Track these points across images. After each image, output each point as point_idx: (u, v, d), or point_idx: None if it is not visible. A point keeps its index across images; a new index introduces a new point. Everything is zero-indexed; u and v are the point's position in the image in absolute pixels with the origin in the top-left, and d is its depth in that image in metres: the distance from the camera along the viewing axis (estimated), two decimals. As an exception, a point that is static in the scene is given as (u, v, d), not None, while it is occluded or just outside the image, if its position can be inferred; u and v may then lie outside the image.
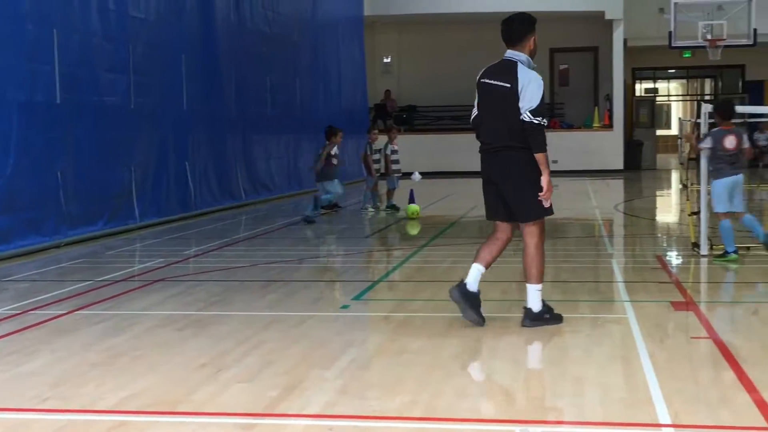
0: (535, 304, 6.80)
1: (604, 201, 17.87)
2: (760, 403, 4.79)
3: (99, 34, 13.35)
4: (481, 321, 6.77)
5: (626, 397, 5.01)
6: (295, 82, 22.44)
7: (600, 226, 14.52)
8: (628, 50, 30.38)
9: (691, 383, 5.27)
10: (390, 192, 16.89)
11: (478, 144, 7.04)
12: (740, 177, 9.98)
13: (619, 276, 9.34)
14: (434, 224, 15.02)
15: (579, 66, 30.37)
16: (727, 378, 5.33)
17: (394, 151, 16.80)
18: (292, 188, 21.67)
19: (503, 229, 6.93)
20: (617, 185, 24.52)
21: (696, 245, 10.49)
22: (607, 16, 28.92)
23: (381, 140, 17.60)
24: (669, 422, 4.57)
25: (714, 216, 10.16)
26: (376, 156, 17.06)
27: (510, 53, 6.79)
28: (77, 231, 12.58)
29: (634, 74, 34.83)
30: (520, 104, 6.53)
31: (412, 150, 28.95)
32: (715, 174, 9.99)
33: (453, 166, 28.91)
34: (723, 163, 9.90)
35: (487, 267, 6.88)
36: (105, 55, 13.51)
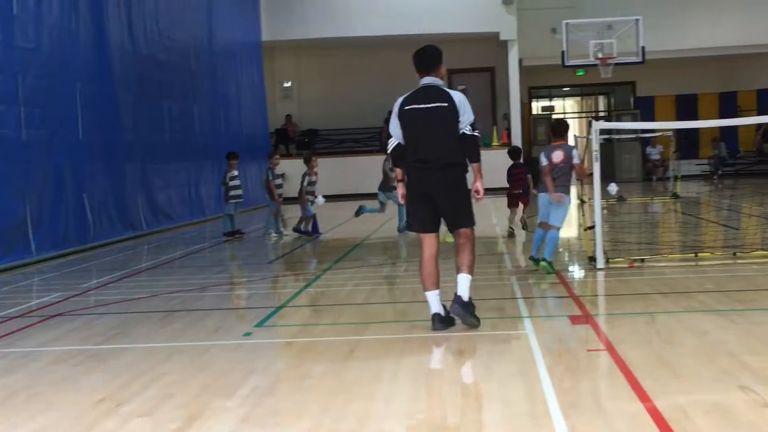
0: (465, 293, 7.34)
1: (505, 218, 18.08)
2: (652, 411, 4.93)
3: (-14, 66, 13.06)
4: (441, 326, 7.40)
5: (525, 411, 5.10)
6: (194, 109, 22.28)
7: (501, 243, 14.71)
8: (523, 70, 30.99)
9: (587, 395, 5.38)
10: (305, 219, 16.79)
11: (394, 164, 7.72)
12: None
13: (519, 292, 9.48)
14: (337, 247, 15.05)
15: (476, 86, 30.84)
16: (622, 388, 5.47)
17: (311, 183, 16.71)
18: (194, 216, 21.47)
19: (433, 243, 7.52)
20: (518, 202, 24.84)
21: (592, 259, 10.74)
22: (502, 37, 29.50)
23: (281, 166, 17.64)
24: (566, 434, 4.67)
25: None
26: (278, 181, 17.03)
27: (429, 79, 7.48)
28: (-29, 267, 12.25)
29: (531, 93, 35.53)
30: (461, 119, 7.31)
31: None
32: (543, 187, 10.60)
33: (356, 188, 29.01)
34: (554, 178, 10.41)
35: (438, 286, 7.46)
36: (-8, 87, 13.20)
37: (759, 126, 31.69)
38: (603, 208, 10.54)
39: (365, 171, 29.44)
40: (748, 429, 4.64)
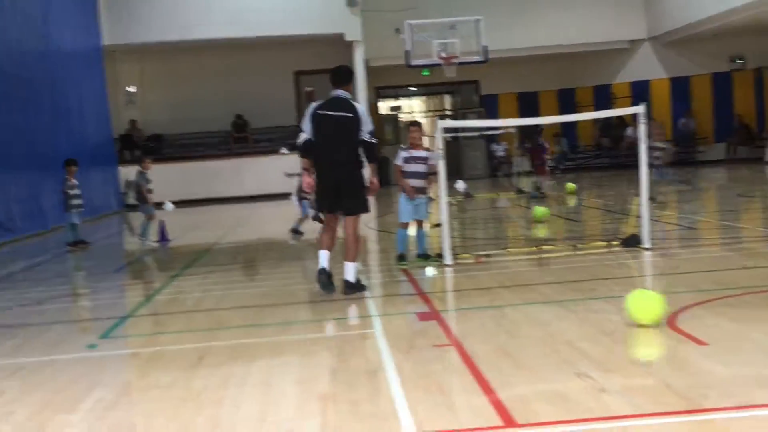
0: (351, 277, 8.95)
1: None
2: (496, 403, 5.05)
3: None
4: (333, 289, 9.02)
5: (373, 411, 5.13)
6: (32, 118, 21.47)
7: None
8: (369, 70, 31.22)
9: (434, 391, 5.45)
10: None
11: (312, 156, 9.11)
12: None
13: (367, 292, 9.54)
14: (186, 254, 14.81)
15: (324, 87, 30.59)
16: (467, 382, 5.57)
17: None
18: (36, 228, 20.69)
19: (334, 220, 9.17)
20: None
21: (440, 255, 10.92)
22: (347, 38, 29.64)
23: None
24: (413, 431, 4.72)
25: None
26: (150, 186, 16.56)
27: (340, 92, 9.19)
28: None
29: (378, 93, 35.84)
30: (363, 128, 8.96)
31: (163, 179, 28.42)
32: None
33: (205, 192, 28.68)
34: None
35: (330, 250, 9.04)
36: None
37: (596, 121, 32.91)
38: (451, 205, 10.70)
39: (213, 175, 29.20)
40: (587, 414, 4.80)
